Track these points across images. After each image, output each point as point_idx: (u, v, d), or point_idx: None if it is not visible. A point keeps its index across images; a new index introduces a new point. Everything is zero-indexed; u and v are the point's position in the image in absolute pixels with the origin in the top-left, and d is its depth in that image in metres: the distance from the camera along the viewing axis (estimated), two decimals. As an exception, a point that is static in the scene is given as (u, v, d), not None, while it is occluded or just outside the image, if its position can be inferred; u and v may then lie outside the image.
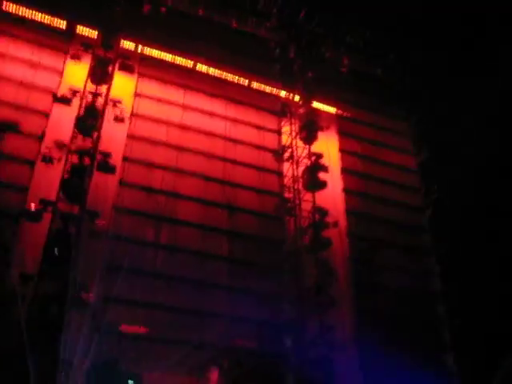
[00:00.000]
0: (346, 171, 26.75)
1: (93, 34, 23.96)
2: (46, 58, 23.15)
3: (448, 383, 22.72)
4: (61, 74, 23.08)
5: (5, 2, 23.37)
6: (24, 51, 22.75)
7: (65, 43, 23.80)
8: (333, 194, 25.32)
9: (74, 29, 24.11)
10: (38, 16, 23.63)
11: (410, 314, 23.54)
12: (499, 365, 21.62)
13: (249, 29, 27.60)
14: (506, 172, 25.91)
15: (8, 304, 17.05)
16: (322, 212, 23.78)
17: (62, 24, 23.91)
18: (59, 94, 21.74)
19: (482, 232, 24.72)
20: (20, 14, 23.51)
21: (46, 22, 23.68)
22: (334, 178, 25.84)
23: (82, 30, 24.16)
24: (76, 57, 23.23)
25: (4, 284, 17.67)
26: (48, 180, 19.75)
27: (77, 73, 22.80)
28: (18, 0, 23.38)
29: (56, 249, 18.01)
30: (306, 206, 24.06)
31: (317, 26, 27.60)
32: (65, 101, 21.42)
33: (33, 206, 18.75)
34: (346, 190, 26.14)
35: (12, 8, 23.41)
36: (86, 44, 23.33)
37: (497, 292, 23.56)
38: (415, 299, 24.12)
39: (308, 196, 24.36)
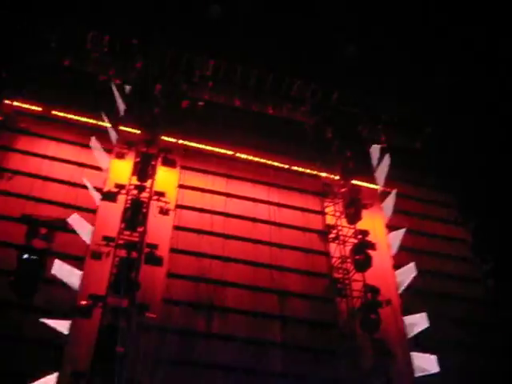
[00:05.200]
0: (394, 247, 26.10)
1: (135, 132, 24.97)
2: (93, 157, 24.07)
3: None
4: (106, 171, 23.86)
5: (53, 110, 25.03)
6: (71, 153, 23.76)
7: (109, 143, 24.80)
8: (383, 272, 24.66)
9: (117, 129, 25.20)
10: (83, 119, 25.04)
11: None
12: None
13: (284, 114, 28.44)
14: None
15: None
16: (373, 291, 23.11)
17: (106, 125, 25.09)
18: (105, 191, 22.49)
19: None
20: (66, 118, 24.97)
21: (90, 124, 24.97)
22: (382, 255, 25.29)
23: (125, 130, 25.24)
24: (120, 155, 24.18)
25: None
26: (97, 275, 19.96)
27: (121, 169, 23.60)
28: (64, 106, 24.99)
29: (108, 345, 17.96)
30: (357, 286, 23.51)
31: (351, 106, 28.29)
32: (111, 197, 22.08)
33: (83, 302, 18.87)
34: (396, 267, 25.43)
35: (59, 114, 24.96)
36: (130, 142, 24.34)
37: None
38: (484, 377, 22.71)
39: (358, 275, 23.83)
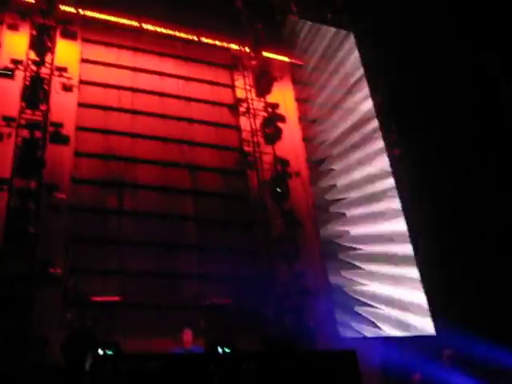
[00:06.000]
0: (303, 120, 26.53)
1: (29, 0, 22.90)
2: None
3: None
4: (-1, 45, 22.13)
5: None
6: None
7: (-1, 12, 22.79)
8: (292, 144, 25.26)
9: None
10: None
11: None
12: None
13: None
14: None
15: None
16: (283, 163, 23.78)
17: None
18: (0, 67, 20.97)
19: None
20: None
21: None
22: (292, 127, 25.71)
23: (17, -3, 23.08)
24: (13, 26, 22.25)
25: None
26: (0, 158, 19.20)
27: (16, 43, 21.82)
28: None
29: (17, 227, 17.75)
30: (267, 159, 24.02)
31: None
32: (7, 74, 20.65)
33: (-14, 185, 18.26)
34: (305, 139, 26.01)
35: None
36: (23, 12, 22.36)
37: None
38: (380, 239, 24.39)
39: (268, 148, 24.29)
